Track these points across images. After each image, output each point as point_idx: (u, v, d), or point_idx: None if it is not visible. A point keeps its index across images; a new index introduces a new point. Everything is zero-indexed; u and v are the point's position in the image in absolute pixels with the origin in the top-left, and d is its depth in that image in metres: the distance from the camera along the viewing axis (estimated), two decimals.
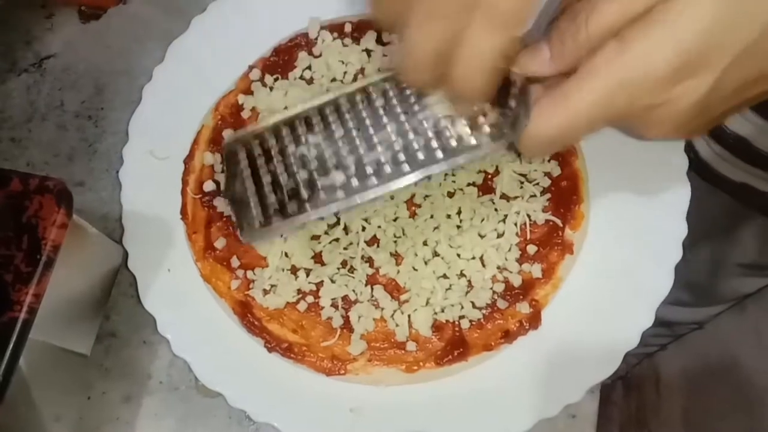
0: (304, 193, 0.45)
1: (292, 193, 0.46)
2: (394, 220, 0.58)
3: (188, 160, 0.61)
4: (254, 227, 0.46)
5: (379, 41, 0.65)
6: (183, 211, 0.60)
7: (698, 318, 0.96)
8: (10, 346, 0.43)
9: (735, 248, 0.80)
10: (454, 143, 0.44)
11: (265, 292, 0.57)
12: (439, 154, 0.44)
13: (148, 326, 0.58)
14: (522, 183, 0.60)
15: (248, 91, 0.63)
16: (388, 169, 0.44)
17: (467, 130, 0.44)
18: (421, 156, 0.44)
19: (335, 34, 0.65)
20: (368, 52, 0.64)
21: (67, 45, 0.69)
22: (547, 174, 0.60)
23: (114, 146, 0.65)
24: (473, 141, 0.44)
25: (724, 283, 0.85)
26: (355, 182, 0.45)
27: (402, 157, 0.44)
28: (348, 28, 0.65)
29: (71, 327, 0.53)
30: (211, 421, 0.57)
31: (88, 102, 0.67)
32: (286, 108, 0.61)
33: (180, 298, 0.58)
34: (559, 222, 0.58)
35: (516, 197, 0.59)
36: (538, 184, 0.60)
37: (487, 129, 0.44)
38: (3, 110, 0.66)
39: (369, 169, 0.45)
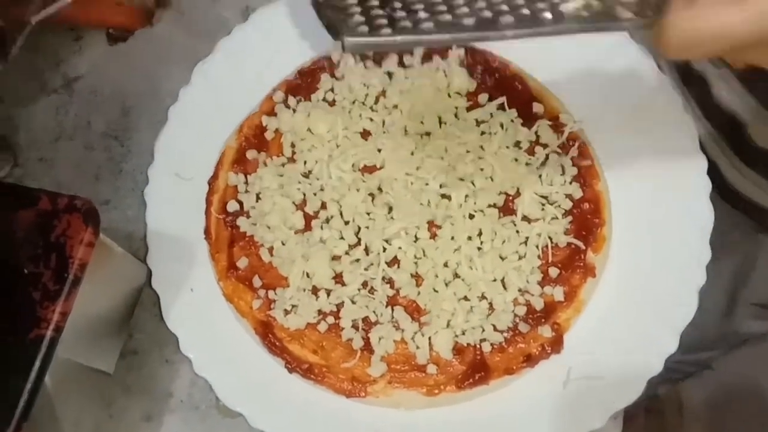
0: (419, 14, 0.39)
1: (404, 11, 0.39)
2: (415, 240, 0.58)
3: (212, 181, 0.62)
4: (358, 33, 0.39)
5: (401, 63, 0.65)
6: (206, 231, 0.61)
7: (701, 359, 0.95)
8: (37, 363, 0.43)
9: (750, 282, 0.79)
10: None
11: (286, 312, 0.57)
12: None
13: (171, 344, 0.58)
14: (543, 205, 0.60)
15: (272, 113, 0.64)
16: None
17: None
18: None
19: (357, 57, 0.66)
20: (390, 74, 0.65)
21: (94, 67, 0.70)
22: (569, 196, 0.60)
23: (140, 166, 0.66)
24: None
25: (737, 323, 0.84)
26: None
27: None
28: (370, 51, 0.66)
29: (95, 345, 0.53)
30: None
31: (114, 123, 0.68)
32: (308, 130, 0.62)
33: (202, 317, 0.58)
34: (581, 245, 0.58)
35: (537, 219, 0.59)
36: (559, 206, 0.60)
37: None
38: (32, 130, 0.68)
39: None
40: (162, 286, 0.58)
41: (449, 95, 0.64)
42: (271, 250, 0.59)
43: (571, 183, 0.60)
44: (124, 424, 0.57)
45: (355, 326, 0.56)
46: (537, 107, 0.63)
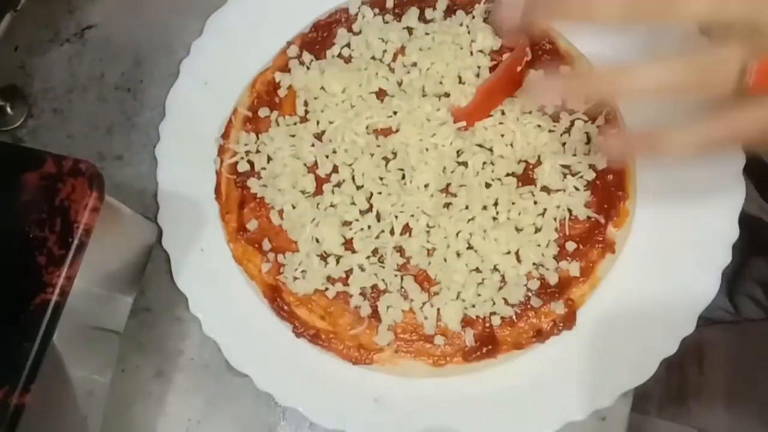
0: None
1: None
2: (428, 209, 0.57)
3: (223, 139, 0.61)
4: None
5: (422, 18, 0.62)
6: (217, 191, 0.60)
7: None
8: (42, 328, 0.43)
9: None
10: None
11: (295, 277, 0.56)
12: None
13: (182, 303, 0.58)
14: (565, 175, 0.57)
15: (285, 69, 0.62)
16: None
17: None
18: None
19: (376, 10, 0.63)
20: (410, 29, 0.62)
21: (108, 15, 0.68)
22: (592, 166, 0.57)
23: (152, 120, 0.64)
24: None
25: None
26: None
27: None
28: (390, 3, 0.63)
29: (105, 305, 0.54)
30: (240, 400, 0.57)
31: (127, 74, 0.67)
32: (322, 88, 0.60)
33: (212, 278, 0.58)
34: (601, 219, 0.56)
35: (558, 190, 0.57)
36: (582, 177, 0.57)
37: None
38: (46, 81, 0.67)
39: None
40: (172, 246, 0.58)
41: (471, 53, 0.60)
42: (281, 212, 0.58)
43: (595, 153, 0.57)
44: (135, 380, 0.58)
45: (363, 294, 0.56)
46: (564, 70, 0.59)
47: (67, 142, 0.65)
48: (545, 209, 0.56)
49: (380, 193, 0.57)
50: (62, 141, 0.65)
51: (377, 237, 0.56)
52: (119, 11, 0.69)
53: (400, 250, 0.56)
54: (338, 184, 0.58)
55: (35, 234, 0.45)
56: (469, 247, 0.56)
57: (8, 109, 0.66)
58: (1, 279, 0.45)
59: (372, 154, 0.58)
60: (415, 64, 0.61)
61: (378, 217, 0.57)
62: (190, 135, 0.61)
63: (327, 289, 0.56)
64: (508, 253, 0.56)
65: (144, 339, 0.59)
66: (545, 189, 0.57)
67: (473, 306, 0.55)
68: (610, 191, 0.56)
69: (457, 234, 0.56)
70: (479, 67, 0.60)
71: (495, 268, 0.55)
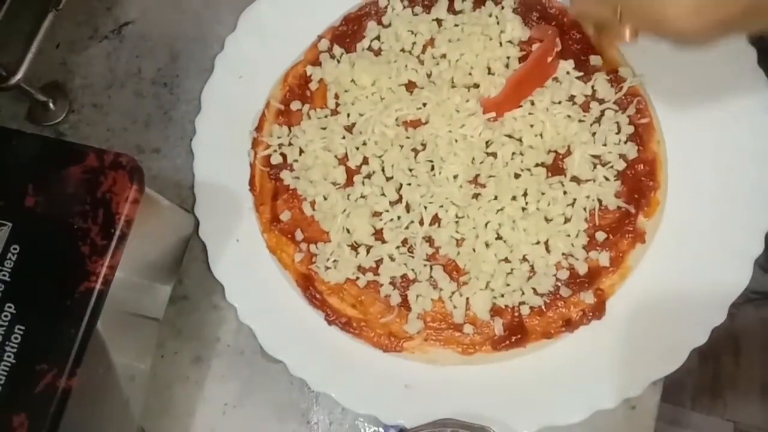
0: None
1: None
2: (457, 200, 0.57)
3: (257, 132, 0.62)
4: None
5: (451, 10, 0.62)
6: (251, 183, 0.61)
7: None
8: (87, 315, 0.45)
9: None
10: None
11: (327, 267, 0.57)
12: None
13: (218, 292, 0.60)
14: (595, 165, 0.57)
15: (316, 62, 0.63)
16: None
17: None
18: None
19: (406, 2, 0.63)
20: (439, 21, 0.62)
21: (144, 11, 0.70)
22: (623, 156, 0.57)
23: (188, 114, 0.66)
24: None
25: None
26: None
27: None
28: None
29: (145, 293, 0.56)
30: (274, 385, 0.59)
31: (163, 69, 0.68)
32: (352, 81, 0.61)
33: (247, 268, 0.60)
34: (632, 209, 0.55)
35: (587, 180, 0.57)
36: (612, 166, 0.57)
37: None
38: (86, 77, 0.69)
39: None
40: (209, 237, 0.60)
41: (501, 44, 0.61)
42: (313, 204, 0.60)
43: (626, 142, 0.57)
44: (174, 365, 0.60)
45: (393, 283, 0.57)
46: (595, 59, 0.59)
47: (106, 136, 0.67)
48: (575, 199, 0.56)
49: (410, 184, 0.58)
50: (102, 135, 0.67)
51: (407, 227, 0.57)
52: (155, 7, 0.70)
53: (429, 240, 0.57)
54: (368, 176, 0.59)
55: (79, 225, 0.47)
56: (498, 237, 0.56)
57: (51, 105, 0.68)
58: (47, 268, 0.47)
59: (401, 146, 0.59)
60: (444, 56, 0.61)
61: (407, 208, 0.58)
62: (224, 128, 0.63)
63: (358, 278, 0.57)
64: (537, 243, 0.56)
65: (182, 326, 0.61)
66: (575, 179, 0.57)
67: (502, 295, 0.55)
68: (640, 181, 0.56)
69: (486, 224, 0.57)
70: (508, 58, 0.60)
71: (524, 258, 0.56)
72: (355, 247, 0.58)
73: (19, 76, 0.60)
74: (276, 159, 0.61)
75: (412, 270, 0.57)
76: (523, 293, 0.55)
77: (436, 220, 0.57)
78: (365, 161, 0.59)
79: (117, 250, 0.47)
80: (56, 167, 0.49)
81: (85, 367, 0.46)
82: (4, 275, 0.46)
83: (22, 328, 0.45)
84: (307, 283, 0.58)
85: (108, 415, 0.54)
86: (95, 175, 0.48)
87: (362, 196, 0.59)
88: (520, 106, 0.58)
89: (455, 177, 0.57)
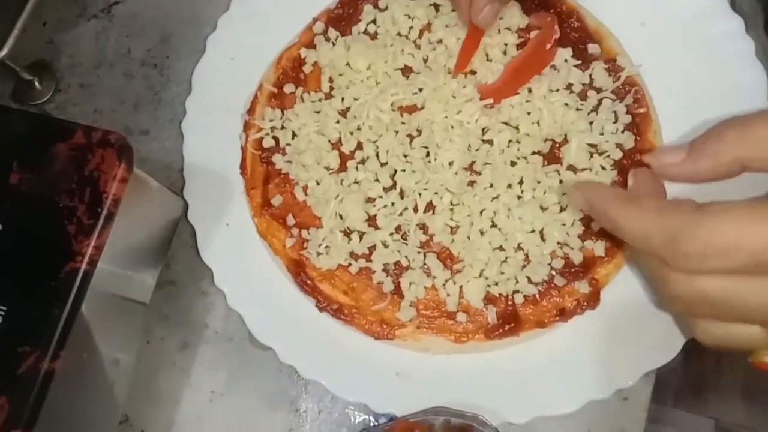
0: None
1: None
2: (452, 187, 0.56)
3: (249, 115, 0.61)
4: None
5: None
6: (242, 166, 0.60)
7: None
8: (72, 295, 0.44)
9: None
10: None
11: (319, 252, 0.56)
12: None
13: (207, 277, 0.59)
14: (592, 154, 0.56)
15: (311, 45, 0.62)
16: None
17: None
18: None
19: None
20: (436, 6, 0.61)
21: None
22: (620, 146, 0.56)
23: (178, 96, 0.65)
24: None
25: None
26: None
27: None
28: None
29: (132, 275, 0.54)
30: (263, 372, 0.58)
31: (154, 50, 0.67)
32: (347, 65, 0.60)
33: (237, 252, 0.59)
34: None
35: (584, 169, 0.56)
36: (608, 156, 0.56)
37: None
38: (73, 56, 0.67)
39: None
40: (198, 220, 0.59)
41: (499, 31, 0.60)
42: (305, 188, 0.59)
43: (623, 132, 0.57)
44: (161, 351, 0.59)
45: (386, 270, 0.56)
46: (593, 48, 0.59)
47: (94, 117, 0.65)
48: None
49: (404, 170, 0.57)
50: (89, 116, 0.65)
51: (401, 214, 0.57)
52: None
53: (423, 227, 0.56)
54: (362, 161, 0.58)
55: (65, 203, 0.46)
56: (493, 225, 0.56)
57: (37, 84, 0.66)
58: (32, 247, 0.46)
59: (396, 131, 0.58)
60: (440, 41, 0.60)
61: (402, 194, 0.57)
62: (216, 110, 0.62)
63: (350, 264, 0.56)
64: (533, 231, 0.55)
65: (169, 311, 0.60)
66: (571, 168, 0.56)
67: (496, 284, 0.55)
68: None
69: (481, 212, 0.56)
70: (506, 45, 0.60)
71: (519, 247, 0.55)
72: (347, 233, 0.57)
73: (3, 53, 0.58)
74: (268, 142, 0.60)
75: (406, 257, 0.56)
76: (517, 282, 0.54)
77: (430, 207, 0.57)
78: (359, 146, 0.58)
79: (104, 230, 0.46)
80: (42, 144, 0.47)
81: (69, 350, 0.44)
82: None
83: (4, 308, 0.44)
84: (298, 269, 0.57)
85: (91, 400, 0.53)
86: (83, 152, 0.47)
87: (356, 182, 0.58)
88: (518, 94, 0.58)
89: (450, 164, 0.56)
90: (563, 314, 0.54)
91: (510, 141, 0.57)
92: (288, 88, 0.61)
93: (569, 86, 0.58)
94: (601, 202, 0.47)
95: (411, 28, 0.61)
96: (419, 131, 0.58)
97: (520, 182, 0.56)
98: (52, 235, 0.45)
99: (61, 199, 0.46)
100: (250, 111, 0.61)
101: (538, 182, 0.56)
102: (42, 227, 0.46)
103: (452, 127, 0.57)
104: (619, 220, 0.45)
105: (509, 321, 0.54)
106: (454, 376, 0.54)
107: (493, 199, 0.56)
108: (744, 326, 0.43)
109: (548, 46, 0.58)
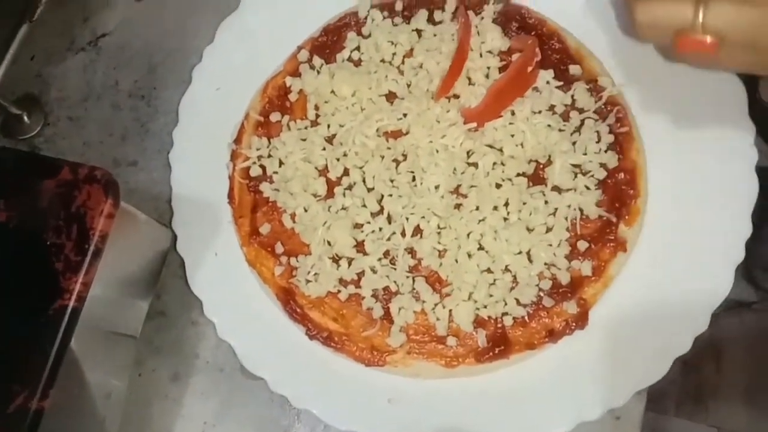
0: None
1: None
2: (439, 210, 0.57)
3: (236, 144, 0.61)
4: None
5: (431, 20, 0.62)
6: (230, 195, 0.61)
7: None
8: (60, 333, 0.44)
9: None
10: None
11: (308, 280, 0.57)
12: None
13: (197, 307, 0.59)
14: (576, 174, 0.57)
15: (296, 73, 0.62)
16: None
17: None
18: None
19: (385, 13, 0.63)
20: (419, 32, 0.62)
21: (122, 22, 0.70)
22: (603, 165, 0.57)
23: (166, 126, 0.65)
24: None
25: None
26: None
27: None
28: (399, 6, 0.63)
29: (121, 310, 0.55)
30: (254, 402, 0.58)
31: (141, 81, 0.68)
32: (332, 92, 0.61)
33: (226, 282, 0.59)
34: (613, 218, 0.55)
35: (568, 190, 0.57)
36: (593, 175, 0.57)
37: None
38: (62, 89, 0.68)
39: None
40: (187, 251, 0.59)
41: (481, 55, 0.61)
42: (293, 216, 0.59)
43: (606, 151, 0.57)
44: (152, 383, 0.59)
45: (375, 296, 0.56)
46: (574, 69, 0.59)
47: (82, 150, 0.66)
48: (556, 209, 0.56)
49: (391, 195, 0.58)
50: (78, 148, 0.66)
51: (388, 239, 0.57)
52: (133, 18, 0.70)
53: (411, 251, 0.57)
54: (349, 187, 0.59)
55: (52, 241, 0.46)
56: (480, 248, 0.56)
57: (25, 118, 0.67)
58: (19, 285, 0.46)
59: (382, 157, 0.58)
60: (421, 66, 0.61)
61: (389, 219, 0.57)
62: (203, 140, 0.62)
63: (339, 291, 0.56)
64: (520, 253, 0.56)
65: (160, 343, 0.60)
66: (556, 188, 0.57)
67: (485, 306, 0.55)
68: (621, 189, 0.56)
69: (468, 235, 0.56)
70: (489, 68, 0.60)
71: (506, 269, 0.56)
72: (336, 260, 0.57)
73: None
74: (255, 171, 0.60)
75: (395, 282, 0.56)
76: (506, 304, 0.55)
77: (418, 231, 0.57)
78: (346, 172, 0.59)
79: (91, 266, 0.46)
80: (29, 181, 0.48)
81: (59, 387, 0.44)
82: None
83: None
84: (288, 297, 0.57)
85: None
86: (69, 189, 0.47)
87: (343, 208, 0.58)
88: (501, 116, 0.58)
89: (437, 187, 0.57)
90: (552, 335, 0.54)
91: (495, 163, 0.57)
92: (274, 117, 0.62)
93: (552, 107, 0.59)
94: None
95: (394, 54, 0.62)
96: (405, 156, 0.59)
97: (506, 204, 0.56)
98: (40, 272, 0.46)
99: (49, 237, 0.46)
100: (237, 140, 0.62)
101: (524, 203, 0.56)
102: (29, 265, 0.46)
103: (437, 151, 0.58)
104: None
105: (499, 344, 0.54)
106: (446, 401, 0.54)
107: (480, 221, 0.56)
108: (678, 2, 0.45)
109: (530, 68, 0.59)
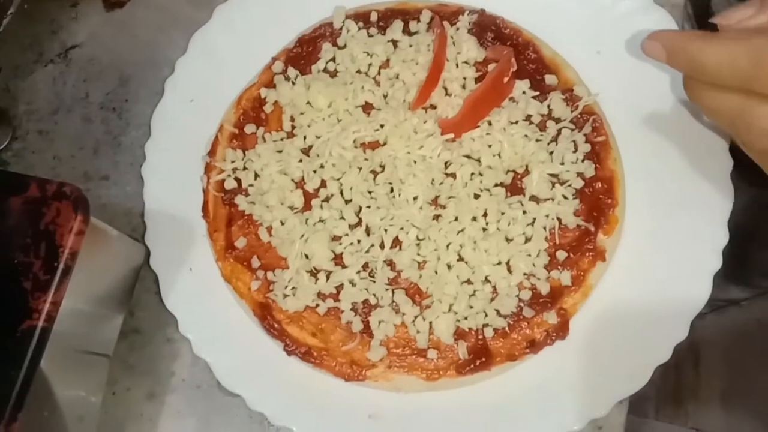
0: None
1: None
2: (417, 222, 0.56)
3: (210, 157, 0.60)
4: None
5: (406, 31, 0.62)
6: (204, 209, 0.60)
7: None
8: (29, 354, 0.43)
9: None
10: None
11: (285, 294, 0.56)
12: None
13: (171, 324, 0.58)
14: (553, 184, 0.57)
15: (270, 85, 0.62)
16: None
17: None
18: None
19: (360, 24, 0.63)
20: (394, 42, 0.62)
21: (91, 35, 0.68)
22: (581, 175, 0.57)
23: (138, 139, 0.64)
24: None
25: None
26: None
27: None
28: (374, 17, 0.63)
29: (93, 328, 0.53)
30: (232, 420, 0.57)
31: (112, 94, 0.66)
32: (308, 103, 0.60)
33: (201, 298, 0.58)
34: (591, 227, 0.55)
35: (546, 199, 0.57)
36: (570, 185, 0.57)
37: None
38: (30, 102, 0.66)
39: None
40: (160, 266, 0.58)
41: (457, 65, 0.60)
42: (269, 229, 0.58)
43: (583, 161, 0.57)
44: (127, 402, 0.57)
45: (354, 309, 0.55)
46: (550, 78, 0.60)
47: (52, 164, 0.64)
48: (534, 219, 0.56)
49: (369, 206, 0.57)
50: (48, 162, 0.64)
51: (367, 251, 0.56)
52: (103, 30, 0.68)
53: (390, 263, 0.56)
54: (326, 199, 0.58)
55: (20, 259, 0.45)
56: (460, 259, 0.56)
57: None
58: None
59: (360, 168, 0.58)
60: (398, 76, 0.61)
61: (367, 231, 0.57)
62: (176, 153, 0.61)
63: (318, 305, 0.56)
64: (499, 263, 0.55)
65: (134, 361, 0.59)
66: (534, 198, 0.57)
67: (465, 318, 0.54)
68: (598, 199, 0.56)
69: (448, 246, 0.56)
70: (465, 79, 0.60)
71: (486, 280, 0.55)
72: (314, 273, 0.56)
73: None
74: (230, 184, 0.59)
75: (374, 295, 0.55)
76: (486, 315, 0.54)
77: (396, 243, 0.56)
78: (323, 184, 0.58)
79: (61, 284, 0.44)
80: None
81: (28, 410, 0.43)
82: None
83: None
84: (265, 313, 0.56)
85: None
86: (37, 206, 0.46)
87: (321, 221, 0.57)
88: (478, 127, 0.58)
89: (415, 199, 0.56)
90: (533, 346, 0.54)
91: (472, 174, 0.57)
92: (249, 129, 0.61)
93: (528, 117, 0.59)
94: (681, 41, 0.47)
95: (370, 65, 0.61)
96: (382, 167, 0.58)
97: (485, 215, 0.56)
98: (7, 292, 0.44)
99: (16, 255, 0.45)
100: (211, 153, 0.61)
101: (502, 214, 0.56)
102: None
103: (415, 162, 0.57)
104: (703, 53, 0.45)
105: (480, 355, 0.54)
106: (428, 415, 0.54)
107: (459, 232, 0.56)
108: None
109: (506, 78, 0.59)
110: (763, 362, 1.00)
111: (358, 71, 0.62)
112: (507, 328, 0.54)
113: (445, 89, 0.60)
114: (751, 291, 0.88)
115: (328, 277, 0.56)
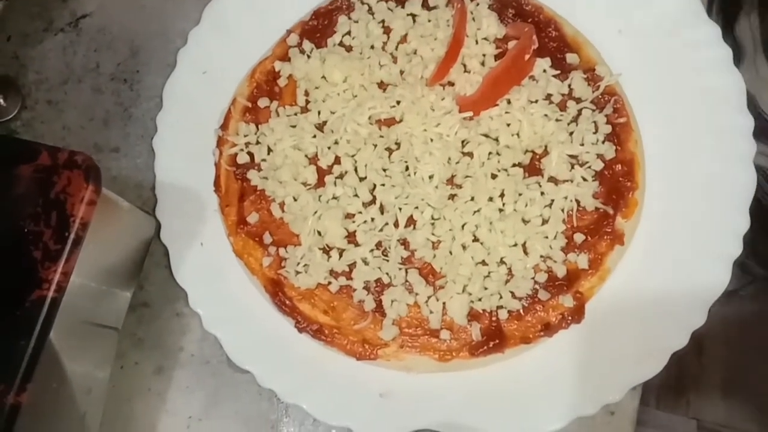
0: None
1: None
2: (433, 201, 0.55)
3: (222, 130, 0.59)
4: None
5: (425, 5, 0.60)
6: (216, 183, 0.59)
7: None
8: (39, 325, 0.42)
9: None
10: None
11: (297, 271, 0.55)
12: None
13: (181, 298, 0.57)
14: (572, 165, 0.56)
15: (285, 58, 0.60)
16: None
17: None
18: None
19: None
20: (413, 17, 0.60)
21: (101, 4, 0.67)
22: (600, 156, 0.56)
23: (149, 111, 0.63)
24: None
25: None
26: None
27: None
28: None
29: (102, 300, 0.52)
30: (242, 396, 0.56)
31: (123, 64, 0.65)
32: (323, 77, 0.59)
33: (212, 273, 0.57)
34: (610, 210, 0.54)
35: (565, 181, 0.56)
36: (590, 167, 0.56)
37: None
38: (40, 71, 0.65)
39: None
40: (171, 240, 0.57)
41: (477, 42, 0.59)
42: (282, 205, 0.57)
43: (603, 142, 0.56)
44: (135, 376, 0.57)
45: (367, 288, 0.55)
46: (571, 57, 0.58)
47: (62, 134, 0.63)
48: (552, 200, 0.55)
49: (384, 184, 0.56)
50: (57, 133, 0.63)
51: (381, 230, 0.55)
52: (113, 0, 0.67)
53: (404, 242, 0.55)
54: (340, 176, 0.57)
55: (30, 228, 0.44)
56: (475, 240, 0.55)
57: (1, 101, 0.64)
58: None
59: (375, 145, 0.57)
60: (416, 52, 0.59)
61: (381, 210, 0.56)
62: (188, 126, 0.60)
63: (330, 283, 0.55)
64: (515, 245, 0.54)
65: (143, 335, 0.58)
66: (552, 180, 0.56)
67: (480, 299, 0.54)
68: (618, 182, 0.55)
69: (463, 226, 0.55)
70: (484, 56, 0.59)
71: (502, 261, 0.54)
72: (326, 251, 0.55)
73: None
74: (243, 158, 0.58)
75: (387, 274, 0.54)
76: (501, 297, 0.53)
77: (411, 221, 0.55)
78: (337, 161, 0.57)
79: (71, 255, 0.44)
80: (5, 166, 0.45)
81: (37, 382, 0.42)
82: None
83: None
84: (276, 289, 0.55)
85: (63, 430, 0.51)
86: (48, 174, 0.45)
87: (334, 197, 0.56)
88: (497, 105, 0.57)
89: (431, 177, 0.55)
90: (548, 329, 0.53)
91: (490, 153, 0.56)
92: (262, 102, 0.60)
93: (548, 97, 0.57)
94: None
95: (388, 39, 0.60)
96: (398, 145, 0.57)
97: (502, 195, 0.55)
98: (17, 261, 0.43)
99: (26, 224, 0.44)
100: (224, 126, 0.59)
101: (520, 195, 0.55)
102: (6, 254, 0.44)
103: (431, 140, 0.56)
104: None
105: (494, 337, 0.53)
106: (439, 396, 0.53)
107: (475, 212, 0.55)
108: None
109: (527, 56, 0.57)
110: (763, 353, 0.99)
111: (373, 46, 0.60)
112: (521, 311, 0.53)
113: (464, 66, 0.59)
114: (745, 278, 0.87)
115: (340, 255, 0.55)
